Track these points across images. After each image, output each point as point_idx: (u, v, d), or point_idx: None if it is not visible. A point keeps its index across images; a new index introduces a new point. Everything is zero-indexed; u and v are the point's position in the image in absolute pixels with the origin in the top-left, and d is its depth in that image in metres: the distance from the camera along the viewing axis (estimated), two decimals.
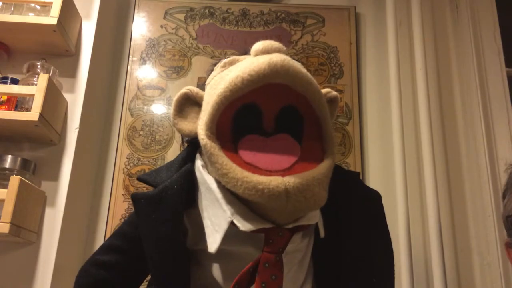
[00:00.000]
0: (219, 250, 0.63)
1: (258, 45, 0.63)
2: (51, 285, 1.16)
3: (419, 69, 1.49)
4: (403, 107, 1.50)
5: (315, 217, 0.66)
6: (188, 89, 0.71)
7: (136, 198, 0.69)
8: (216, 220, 0.63)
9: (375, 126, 1.56)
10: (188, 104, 0.71)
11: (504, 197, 0.79)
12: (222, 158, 0.60)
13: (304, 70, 0.63)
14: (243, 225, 0.60)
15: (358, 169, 1.48)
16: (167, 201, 0.67)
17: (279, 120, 0.64)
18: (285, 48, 0.65)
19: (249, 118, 0.63)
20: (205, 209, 0.66)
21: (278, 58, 0.60)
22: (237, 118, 0.63)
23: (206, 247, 0.64)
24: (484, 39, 1.56)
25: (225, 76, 0.64)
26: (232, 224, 0.62)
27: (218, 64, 0.72)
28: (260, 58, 0.61)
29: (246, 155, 0.61)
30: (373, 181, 1.49)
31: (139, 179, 0.74)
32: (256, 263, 0.61)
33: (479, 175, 1.42)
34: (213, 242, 0.63)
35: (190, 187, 0.69)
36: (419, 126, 1.45)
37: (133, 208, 0.72)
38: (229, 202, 0.63)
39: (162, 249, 0.66)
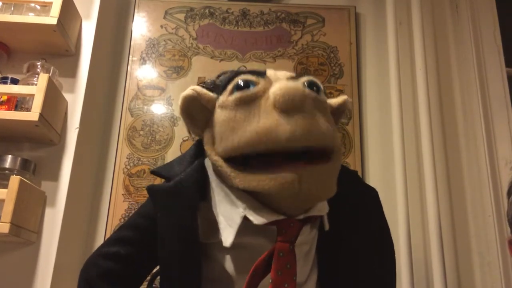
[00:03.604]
0: (232, 242, 0.65)
1: (279, 96, 0.59)
2: (51, 285, 1.16)
3: (419, 69, 1.49)
4: (403, 107, 1.50)
5: (324, 209, 0.67)
6: (194, 91, 0.68)
7: (152, 190, 0.71)
8: (229, 215, 0.65)
9: (375, 126, 1.56)
10: (195, 105, 0.68)
11: (509, 195, 0.79)
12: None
13: (324, 127, 0.60)
14: (256, 219, 0.62)
15: (358, 169, 1.47)
16: (183, 193, 0.68)
17: None
18: (308, 90, 0.61)
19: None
20: (218, 205, 0.68)
21: (300, 127, 0.58)
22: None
23: (218, 240, 0.66)
24: (484, 39, 1.56)
25: (241, 124, 0.61)
26: (245, 218, 0.63)
27: (228, 87, 0.67)
28: (281, 126, 0.58)
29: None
30: (373, 180, 1.49)
31: (152, 172, 0.75)
32: (271, 252, 0.62)
33: (479, 175, 1.42)
34: (227, 237, 0.65)
35: (203, 181, 0.70)
36: (419, 126, 1.45)
37: (133, 208, 0.72)
38: (240, 197, 0.64)
39: (182, 240, 0.67)
